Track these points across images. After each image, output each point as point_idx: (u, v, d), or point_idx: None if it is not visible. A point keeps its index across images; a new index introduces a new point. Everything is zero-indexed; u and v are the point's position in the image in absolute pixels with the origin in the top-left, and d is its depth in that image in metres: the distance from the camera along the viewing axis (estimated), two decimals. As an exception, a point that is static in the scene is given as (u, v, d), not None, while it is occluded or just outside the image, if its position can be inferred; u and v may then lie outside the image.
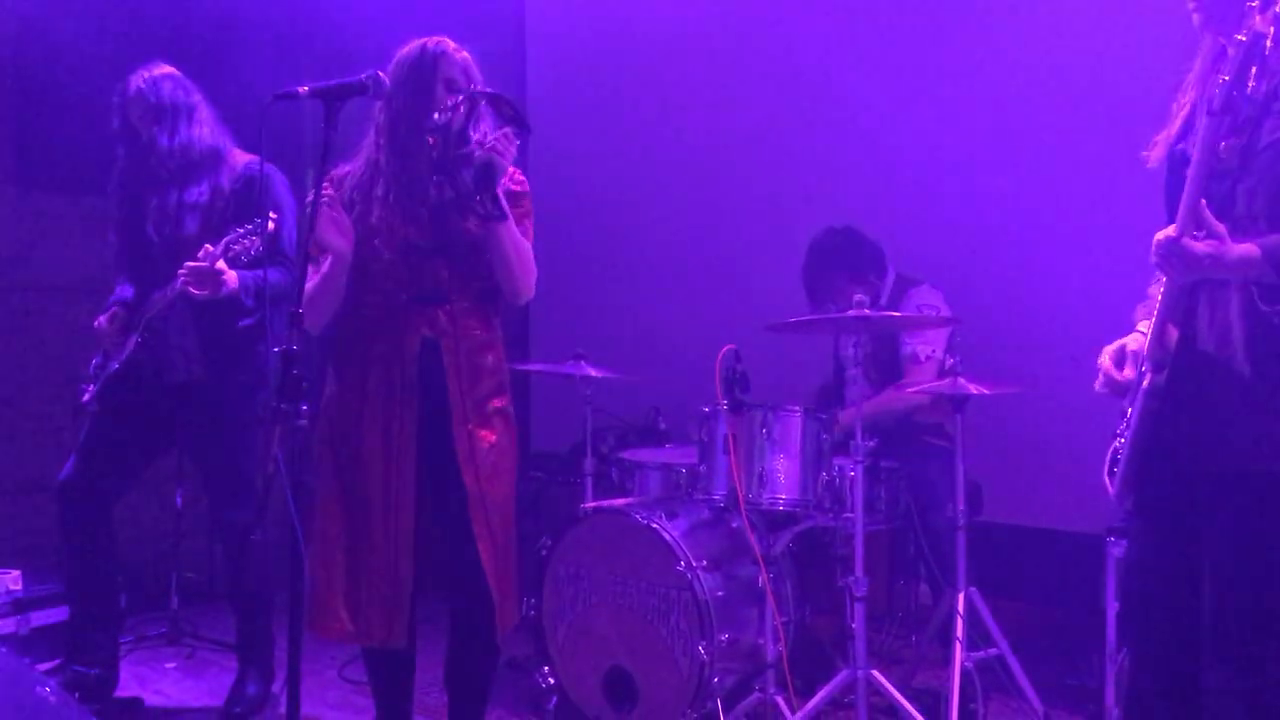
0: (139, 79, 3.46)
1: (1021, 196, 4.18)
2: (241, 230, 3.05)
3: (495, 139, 2.45)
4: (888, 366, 3.83)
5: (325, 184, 2.40)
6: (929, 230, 4.14)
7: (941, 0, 4.41)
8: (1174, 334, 2.12)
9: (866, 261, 3.88)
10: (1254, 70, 1.86)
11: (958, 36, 4.34)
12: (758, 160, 4.79)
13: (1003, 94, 4.23)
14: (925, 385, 3.48)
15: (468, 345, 2.62)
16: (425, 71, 2.53)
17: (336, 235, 2.48)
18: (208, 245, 3.16)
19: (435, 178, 2.48)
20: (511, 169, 2.57)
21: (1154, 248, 2.01)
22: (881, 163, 4.45)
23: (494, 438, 2.64)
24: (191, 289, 3.16)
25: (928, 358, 3.76)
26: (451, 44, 2.60)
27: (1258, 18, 1.86)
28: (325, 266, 2.51)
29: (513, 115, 2.50)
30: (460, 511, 2.59)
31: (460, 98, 2.48)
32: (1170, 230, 1.98)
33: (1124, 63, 3.89)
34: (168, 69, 3.50)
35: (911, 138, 4.40)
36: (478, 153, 2.44)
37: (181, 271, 3.17)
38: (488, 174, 2.43)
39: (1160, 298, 2.11)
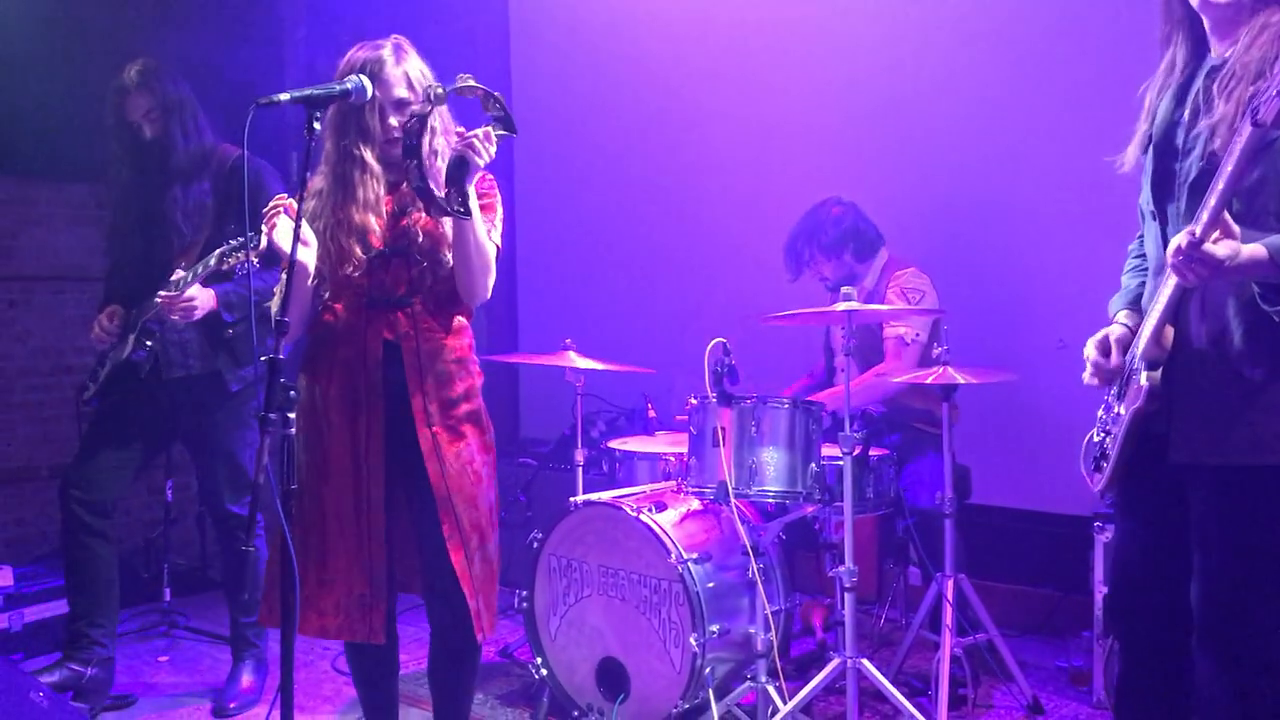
0: (136, 73, 3.40)
1: (1008, 184, 4.17)
2: (234, 243, 3.01)
3: (473, 135, 2.40)
4: (872, 350, 3.83)
5: (284, 194, 2.43)
6: (917, 219, 4.13)
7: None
8: (1170, 334, 2.12)
9: (843, 242, 3.82)
10: None
11: (947, 24, 4.30)
12: (746, 148, 4.77)
13: (991, 82, 4.20)
14: (907, 373, 3.48)
15: (429, 348, 2.59)
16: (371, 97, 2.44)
17: (288, 244, 2.42)
18: (179, 270, 3.20)
19: (406, 161, 2.41)
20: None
21: (1173, 252, 1.95)
22: (871, 151, 4.43)
23: (461, 442, 2.60)
24: (169, 315, 3.23)
25: (912, 341, 3.75)
26: (390, 56, 2.51)
27: None
28: (287, 276, 2.44)
29: (500, 114, 2.46)
30: (430, 516, 2.57)
31: (422, 99, 2.43)
32: (1186, 235, 1.92)
33: (1110, 52, 3.86)
34: (157, 63, 3.45)
35: (901, 126, 4.38)
36: (456, 146, 2.41)
37: (157, 299, 3.22)
38: (460, 169, 2.39)
39: (1163, 299, 2.09)
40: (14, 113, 4.77)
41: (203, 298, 3.26)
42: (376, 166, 2.53)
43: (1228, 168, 1.89)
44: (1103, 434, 2.29)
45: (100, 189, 3.63)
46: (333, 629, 2.59)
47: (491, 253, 2.56)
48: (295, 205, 2.31)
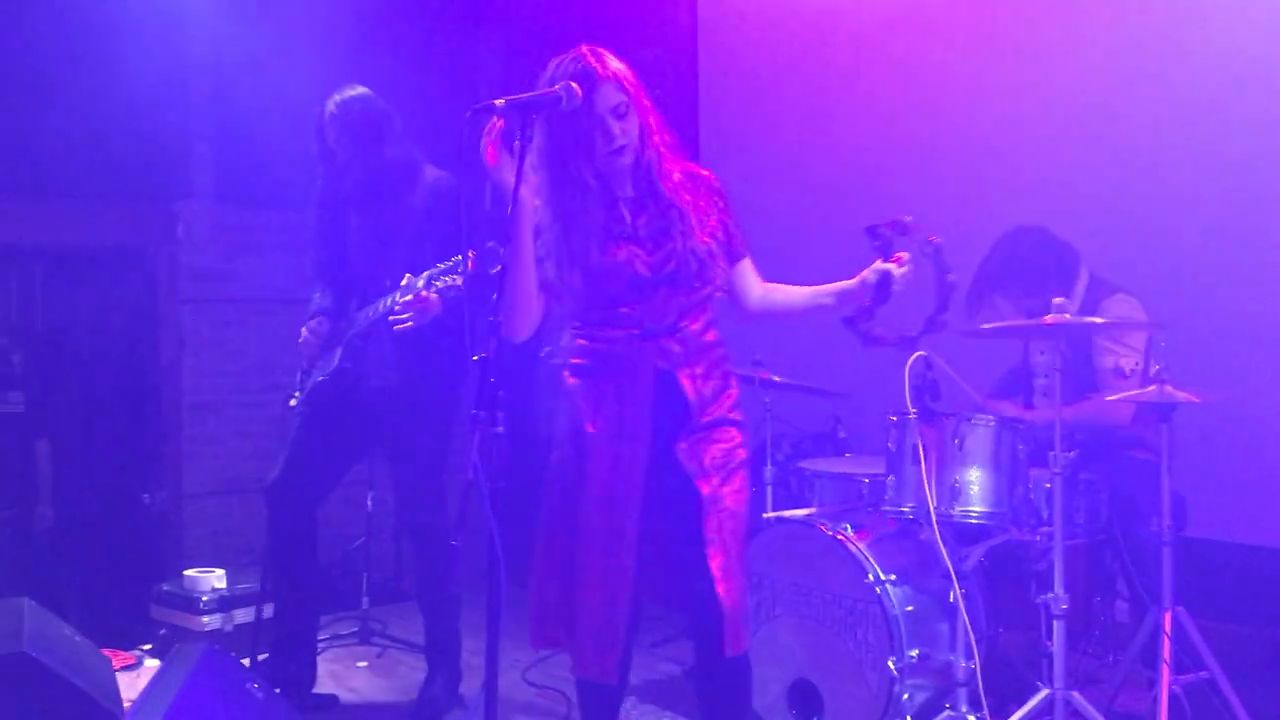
0: (333, 102, 3.55)
1: (1230, 187, 3.91)
2: (444, 266, 3.07)
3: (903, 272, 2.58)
4: (1078, 380, 3.59)
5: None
6: (1129, 226, 3.93)
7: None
8: None
9: (1038, 277, 3.54)
10: None
11: (1153, 30, 4.11)
12: (943, 159, 4.66)
13: (1201, 87, 3.98)
14: (1129, 394, 3.26)
15: (704, 369, 2.51)
16: (583, 107, 2.36)
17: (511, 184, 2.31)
18: (409, 274, 3.22)
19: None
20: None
21: None
22: (1080, 157, 4.24)
23: (725, 445, 2.51)
24: (405, 322, 3.24)
25: (1131, 371, 3.45)
26: (596, 64, 2.40)
27: None
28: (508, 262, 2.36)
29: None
30: (695, 519, 2.45)
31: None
32: None
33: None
34: (361, 90, 3.58)
35: (1109, 132, 4.20)
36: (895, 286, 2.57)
37: (399, 314, 3.24)
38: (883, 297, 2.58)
39: None
40: (239, 144, 5.09)
41: (433, 302, 3.25)
42: (595, 185, 2.44)
43: None
44: None
45: (310, 214, 3.80)
46: (572, 659, 2.53)
47: None
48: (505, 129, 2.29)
